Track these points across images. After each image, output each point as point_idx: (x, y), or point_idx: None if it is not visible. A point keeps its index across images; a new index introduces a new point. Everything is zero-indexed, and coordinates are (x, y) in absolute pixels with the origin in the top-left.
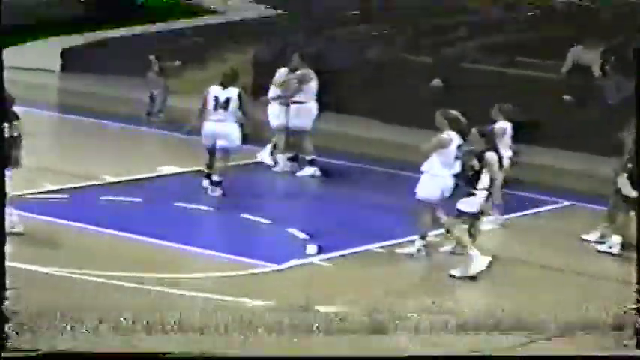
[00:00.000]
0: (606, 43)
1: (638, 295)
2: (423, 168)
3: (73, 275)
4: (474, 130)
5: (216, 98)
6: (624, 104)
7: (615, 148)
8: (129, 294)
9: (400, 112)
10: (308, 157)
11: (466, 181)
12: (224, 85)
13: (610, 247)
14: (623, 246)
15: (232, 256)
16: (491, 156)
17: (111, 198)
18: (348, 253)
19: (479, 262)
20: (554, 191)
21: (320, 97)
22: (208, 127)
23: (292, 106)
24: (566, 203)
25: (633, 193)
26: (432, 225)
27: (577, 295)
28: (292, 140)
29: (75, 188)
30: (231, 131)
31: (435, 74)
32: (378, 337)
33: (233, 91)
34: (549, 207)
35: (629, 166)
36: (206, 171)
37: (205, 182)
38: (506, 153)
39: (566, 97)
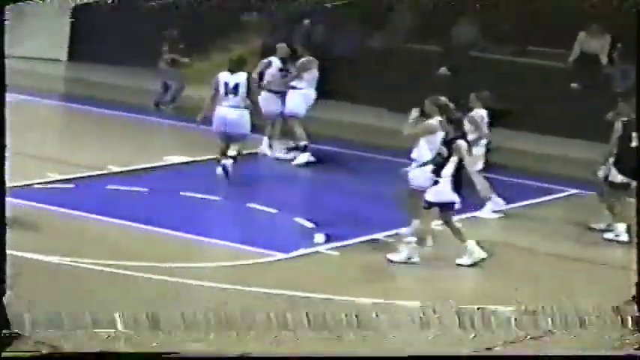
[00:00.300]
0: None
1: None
2: (413, 155)
3: (77, 265)
4: (442, 118)
5: (226, 84)
6: (631, 92)
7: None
8: (136, 284)
9: (407, 101)
10: (301, 144)
11: (434, 169)
12: (232, 71)
13: (617, 236)
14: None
15: (240, 246)
16: (460, 143)
17: (117, 187)
18: (356, 242)
19: (405, 254)
20: (562, 179)
21: (324, 86)
22: (219, 112)
23: (289, 92)
24: (573, 191)
25: (618, 178)
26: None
27: (584, 285)
28: (285, 126)
29: (81, 178)
30: (241, 117)
31: (443, 63)
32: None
33: (242, 77)
34: (557, 195)
35: (615, 151)
36: (220, 158)
37: (219, 170)
38: (483, 141)
39: (574, 85)
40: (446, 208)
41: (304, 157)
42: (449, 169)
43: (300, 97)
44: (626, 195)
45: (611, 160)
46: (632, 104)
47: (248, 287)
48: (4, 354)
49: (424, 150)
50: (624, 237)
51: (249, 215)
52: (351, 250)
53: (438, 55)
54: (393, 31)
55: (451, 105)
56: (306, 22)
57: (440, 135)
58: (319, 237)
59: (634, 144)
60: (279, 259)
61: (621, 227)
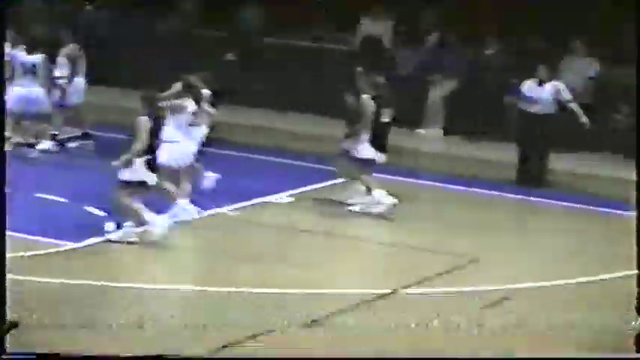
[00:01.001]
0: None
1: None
2: (162, 136)
3: None
4: (143, 94)
5: (23, 64)
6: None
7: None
8: None
9: None
10: (51, 131)
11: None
12: (28, 51)
13: (379, 203)
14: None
15: (29, 236)
16: (140, 120)
17: None
18: (148, 229)
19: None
20: None
21: (97, 71)
22: (19, 92)
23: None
24: None
25: (370, 153)
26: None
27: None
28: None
29: None
30: (42, 95)
31: (230, 48)
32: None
33: (38, 57)
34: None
35: (368, 127)
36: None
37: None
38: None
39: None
40: (141, 187)
41: (46, 145)
42: (134, 147)
43: (70, 87)
44: (373, 170)
45: (365, 136)
46: (370, 82)
47: (37, 277)
48: None
49: (171, 129)
50: (389, 199)
51: (38, 205)
52: (143, 237)
53: (225, 40)
54: (179, 15)
55: (200, 84)
56: (89, 7)
57: (187, 115)
58: (109, 225)
59: (386, 120)
60: (70, 249)
61: (379, 193)
